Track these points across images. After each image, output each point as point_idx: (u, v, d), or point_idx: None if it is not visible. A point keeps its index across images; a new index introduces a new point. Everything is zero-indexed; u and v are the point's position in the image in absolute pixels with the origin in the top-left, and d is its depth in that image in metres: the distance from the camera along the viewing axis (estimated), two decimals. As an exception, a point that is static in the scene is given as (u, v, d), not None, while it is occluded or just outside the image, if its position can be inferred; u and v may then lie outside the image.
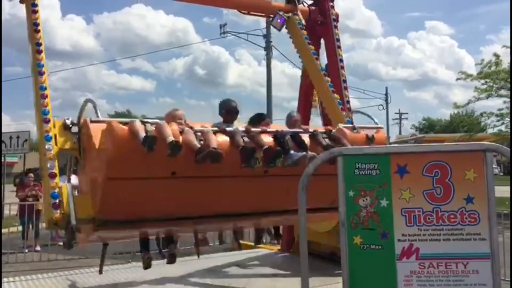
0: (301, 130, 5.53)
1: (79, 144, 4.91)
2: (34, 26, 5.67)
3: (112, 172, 4.23)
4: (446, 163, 3.08)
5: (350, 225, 3.12)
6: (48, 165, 4.78)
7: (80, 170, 5.07)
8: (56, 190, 4.73)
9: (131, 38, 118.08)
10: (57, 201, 4.68)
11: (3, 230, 11.09)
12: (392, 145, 2.88)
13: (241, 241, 10.91)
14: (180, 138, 4.46)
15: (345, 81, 8.05)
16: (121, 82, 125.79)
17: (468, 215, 3.06)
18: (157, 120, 4.61)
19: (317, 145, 5.30)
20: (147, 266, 5.68)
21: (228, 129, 4.96)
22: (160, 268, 7.80)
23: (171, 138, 4.28)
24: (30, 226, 10.56)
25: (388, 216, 3.11)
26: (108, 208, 4.37)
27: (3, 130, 16.75)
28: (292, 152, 4.97)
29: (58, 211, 4.64)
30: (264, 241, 11.39)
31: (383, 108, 43.69)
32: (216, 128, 4.93)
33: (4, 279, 7.09)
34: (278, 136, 5.13)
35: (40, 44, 5.59)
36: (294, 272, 7.09)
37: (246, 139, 4.89)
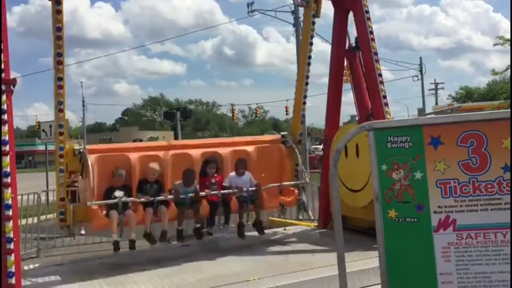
0: (237, 191, 7.09)
1: (82, 167, 6.63)
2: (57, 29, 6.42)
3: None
4: (481, 132, 3.01)
5: (384, 199, 3.11)
6: (61, 193, 6.70)
7: (81, 182, 6.84)
8: (63, 209, 6.68)
9: (159, 22, 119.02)
10: (62, 216, 6.70)
11: (49, 216, 11.59)
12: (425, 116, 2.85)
13: (278, 219, 11.08)
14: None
15: (376, 54, 7.89)
16: (152, 66, 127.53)
17: (506, 184, 2.98)
18: (133, 199, 6.52)
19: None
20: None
21: (182, 196, 6.71)
22: (198, 246, 8.01)
23: (132, 236, 6.52)
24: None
25: (423, 188, 3.07)
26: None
27: (42, 119, 17.30)
28: (215, 225, 7.33)
29: (64, 223, 6.76)
30: (301, 217, 11.52)
31: (418, 79, 42.62)
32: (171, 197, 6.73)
33: (53, 263, 7.44)
34: (211, 205, 6.98)
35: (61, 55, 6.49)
36: (331, 248, 7.11)
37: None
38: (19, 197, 6.35)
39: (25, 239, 9.04)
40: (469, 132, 3.02)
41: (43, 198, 10.53)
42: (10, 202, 4.73)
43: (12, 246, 4.65)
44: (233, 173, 7.27)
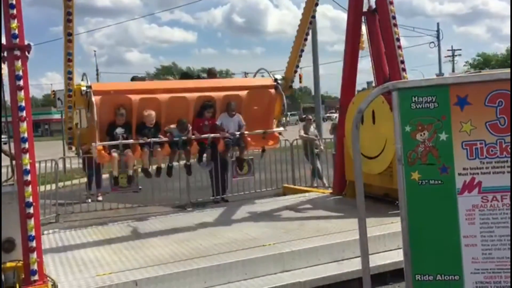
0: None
1: (88, 104, 7.09)
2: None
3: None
4: (511, 92, 2.90)
5: (407, 161, 3.03)
6: (69, 124, 7.79)
7: (87, 116, 7.29)
8: (71, 136, 7.81)
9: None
10: (70, 141, 7.86)
11: (66, 182, 11.73)
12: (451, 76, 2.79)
13: (292, 186, 11.12)
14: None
15: (394, 17, 7.68)
16: (163, 35, 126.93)
17: (535, 146, 2.89)
18: (132, 141, 7.24)
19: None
20: None
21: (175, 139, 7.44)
22: (215, 212, 8.08)
23: (129, 172, 7.40)
24: (93, 177, 11.05)
25: (448, 150, 2.98)
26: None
27: (56, 88, 17.43)
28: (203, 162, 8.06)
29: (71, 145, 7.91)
30: (315, 185, 11.53)
31: (434, 46, 41.75)
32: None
33: (72, 228, 7.57)
34: (201, 147, 7.80)
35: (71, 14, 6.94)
36: (346, 214, 7.12)
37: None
38: (37, 164, 6.41)
39: (44, 205, 9.18)
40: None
41: (60, 165, 10.63)
42: (28, 167, 4.75)
43: (31, 210, 4.70)
44: (225, 113, 7.82)
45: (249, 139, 8.11)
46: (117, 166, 7.25)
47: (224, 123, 7.79)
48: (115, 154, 7.08)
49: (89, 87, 7.04)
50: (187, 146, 7.57)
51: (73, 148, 7.97)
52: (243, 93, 8.05)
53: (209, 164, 8.47)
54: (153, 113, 7.27)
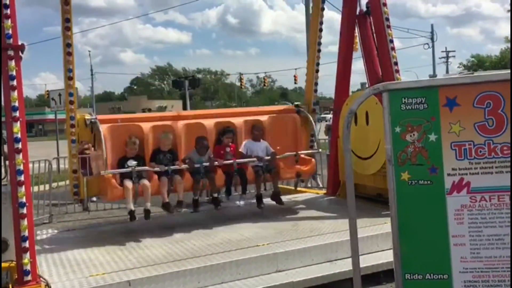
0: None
1: (94, 138, 6.61)
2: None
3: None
4: (499, 93, 2.92)
5: (397, 161, 3.07)
6: (74, 165, 6.71)
7: (94, 153, 6.52)
8: (76, 182, 6.81)
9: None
10: (76, 189, 6.85)
11: (60, 183, 11.70)
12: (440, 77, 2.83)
13: (286, 186, 11.11)
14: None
15: (387, 19, 7.72)
16: (157, 35, 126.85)
17: (522, 146, 2.93)
18: (147, 168, 6.48)
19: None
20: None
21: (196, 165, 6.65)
22: (208, 212, 8.09)
23: (147, 205, 6.44)
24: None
25: (437, 150, 3.01)
26: None
27: (51, 88, 17.41)
28: (231, 194, 7.36)
29: (77, 197, 6.92)
30: (310, 185, 11.55)
31: (428, 47, 41.97)
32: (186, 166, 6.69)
33: (66, 229, 7.56)
34: (227, 175, 6.93)
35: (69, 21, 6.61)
36: (340, 214, 7.15)
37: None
38: (30, 165, 6.39)
39: (37, 206, 9.16)
40: (486, 93, 2.94)
41: (54, 166, 10.60)
42: (21, 167, 4.75)
43: (25, 210, 4.69)
44: (248, 139, 7.24)
45: (281, 164, 7.31)
46: (132, 198, 6.29)
47: (250, 149, 7.10)
48: (128, 182, 6.20)
49: (94, 118, 6.54)
50: (211, 173, 6.71)
51: (79, 200, 7.06)
52: (264, 117, 7.57)
53: (241, 198, 7.72)
54: (170, 135, 6.63)
